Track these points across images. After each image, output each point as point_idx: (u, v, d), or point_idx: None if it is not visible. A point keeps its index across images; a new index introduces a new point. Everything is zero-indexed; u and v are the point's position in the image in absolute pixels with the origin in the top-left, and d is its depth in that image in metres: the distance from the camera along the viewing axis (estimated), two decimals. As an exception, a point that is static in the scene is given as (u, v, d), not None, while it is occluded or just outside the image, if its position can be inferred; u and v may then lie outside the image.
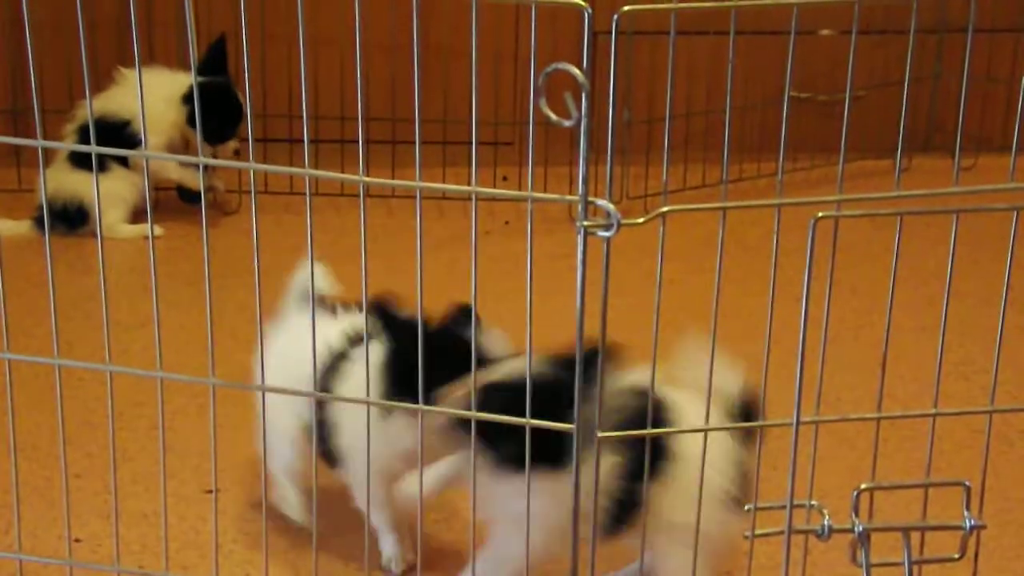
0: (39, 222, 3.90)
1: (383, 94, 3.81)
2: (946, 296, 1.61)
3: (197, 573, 2.33)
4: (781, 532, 1.66)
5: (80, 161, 4.04)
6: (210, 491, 2.47)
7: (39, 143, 1.77)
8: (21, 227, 3.91)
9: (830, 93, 4.36)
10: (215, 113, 4.04)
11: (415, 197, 1.56)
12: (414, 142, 1.61)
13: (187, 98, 4.06)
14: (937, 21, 3.94)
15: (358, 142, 1.62)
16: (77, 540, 2.40)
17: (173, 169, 4.14)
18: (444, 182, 3.86)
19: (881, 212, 1.58)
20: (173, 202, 4.27)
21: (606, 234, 1.49)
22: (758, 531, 1.66)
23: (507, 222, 4.05)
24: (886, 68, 4.06)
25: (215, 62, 4.08)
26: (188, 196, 4.25)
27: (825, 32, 4.23)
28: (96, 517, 2.48)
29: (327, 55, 3.86)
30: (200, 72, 4.07)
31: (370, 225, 1.68)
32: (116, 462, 1.92)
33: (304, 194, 1.72)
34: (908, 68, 1.78)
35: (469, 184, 1.60)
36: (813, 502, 1.65)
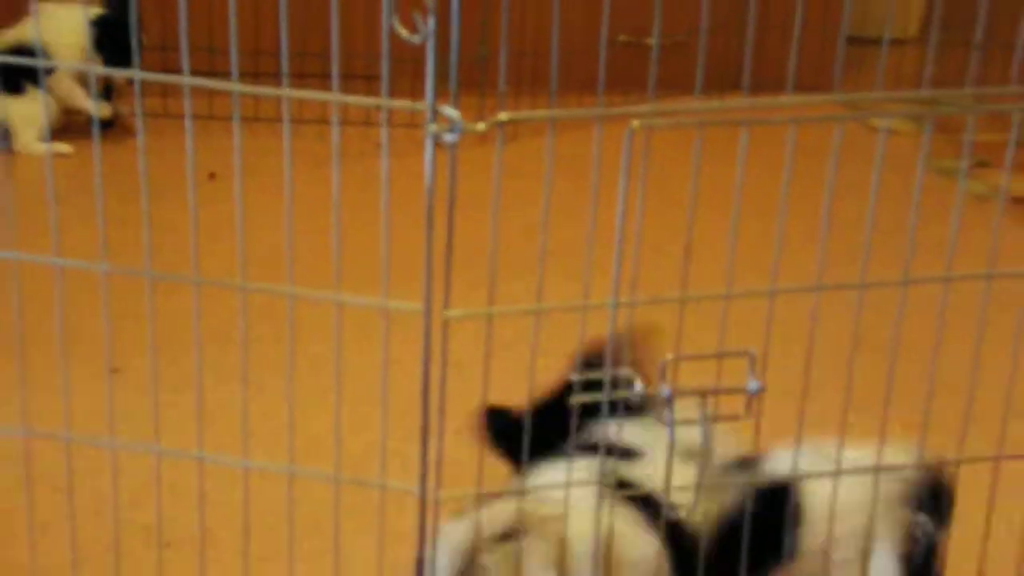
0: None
1: (273, 31, 3.77)
2: (738, 199, 1.63)
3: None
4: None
5: (2, 85, 3.98)
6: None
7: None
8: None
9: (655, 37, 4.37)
10: (115, 42, 4.01)
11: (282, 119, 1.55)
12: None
13: (92, 25, 4.04)
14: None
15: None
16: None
17: (80, 96, 4.13)
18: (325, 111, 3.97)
19: (686, 122, 1.60)
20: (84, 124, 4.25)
21: (451, 138, 1.49)
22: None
23: (379, 144, 4.05)
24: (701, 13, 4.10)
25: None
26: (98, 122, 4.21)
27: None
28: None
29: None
30: (107, 7, 4.06)
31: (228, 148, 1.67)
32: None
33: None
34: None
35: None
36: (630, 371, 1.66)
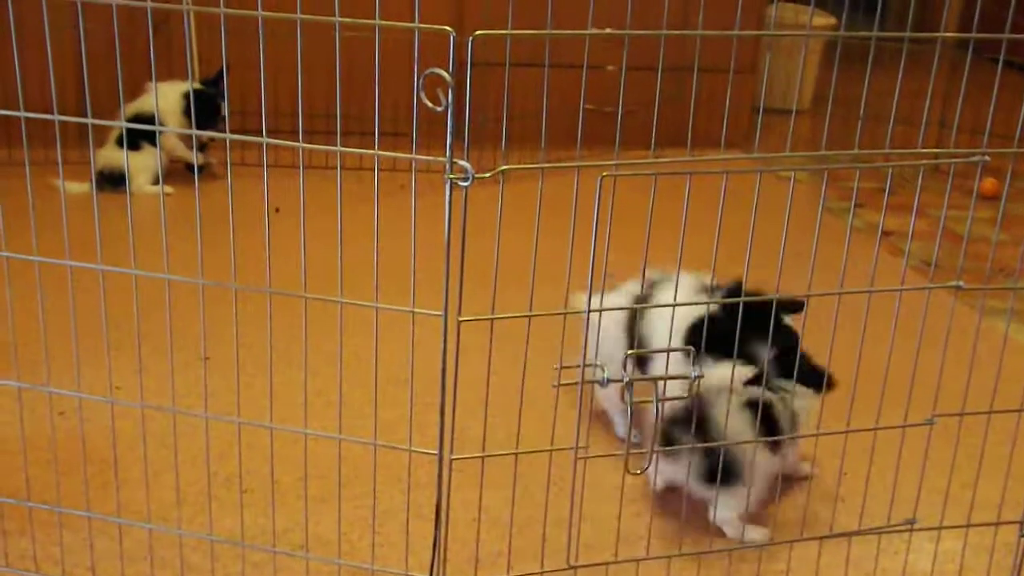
0: (98, 184, 3.88)
1: (323, 100, 3.74)
2: (683, 229, 1.61)
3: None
4: (576, 383, 1.64)
5: (124, 143, 4.00)
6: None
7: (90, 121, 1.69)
8: (84, 187, 3.81)
9: (614, 107, 4.35)
10: (207, 110, 4.02)
11: (338, 167, 1.52)
12: (336, 132, 1.57)
13: (184, 97, 4.04)
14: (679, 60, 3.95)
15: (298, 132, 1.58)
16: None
17: (182, 150, 4.14)
18: (361, 160, 3.97)
19: (643, 173, 1.57)
20: (181, 172, 4.24)
21: (465, 184, 1.47)
22: (563, 382, 1.63)
23: (402, 185, 4.02)
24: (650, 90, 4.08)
25: (213, 80, 4.06)
26: (191, 168, 4.22)
27: (610, 67, 4.23)
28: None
29: (287, 80, 3.81)
30: (203, 83, 4.06)
31: (289, 188, 1.63)
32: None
33: (296, 167, 1.66)
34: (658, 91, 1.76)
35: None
36: (599, 363, 1.63)
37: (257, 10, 1.52)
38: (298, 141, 1.58)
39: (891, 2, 6.75)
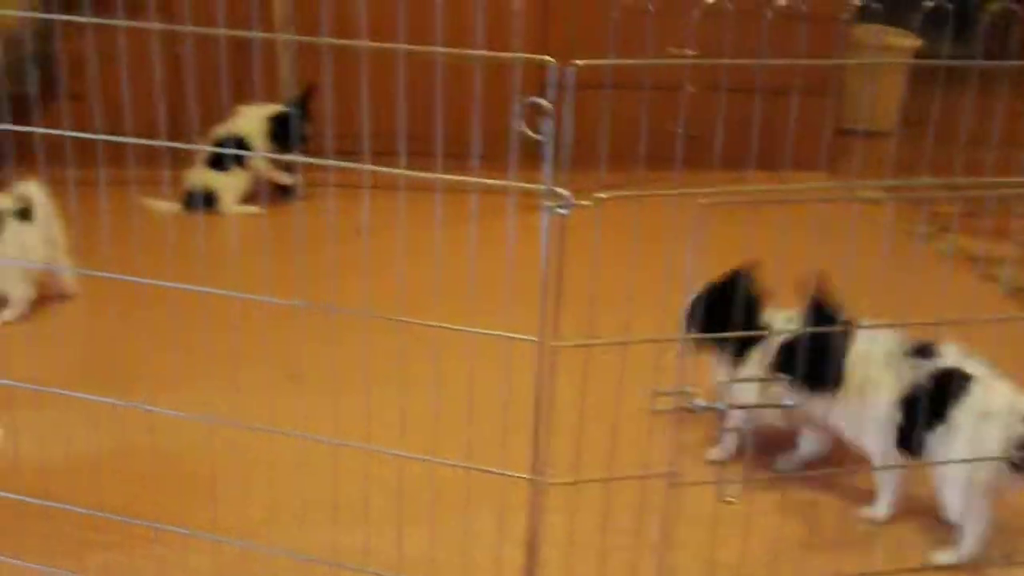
0: (186, 204, 3.95)
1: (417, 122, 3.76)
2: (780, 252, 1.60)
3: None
4: (671, 409, 1.64)
5: (213, 164, 4.07)
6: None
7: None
8: (174, 207, 3.88)
9: (694, 128, 4.32)
10: (285, 130, 4.07)
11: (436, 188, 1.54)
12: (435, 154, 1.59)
13: (272, 120, 4.09)
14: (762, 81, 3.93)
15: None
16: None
17: (267, 170, 4.20)
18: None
19: (741, 200, 1.56)
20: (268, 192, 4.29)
21: (563, 211, 1.47)
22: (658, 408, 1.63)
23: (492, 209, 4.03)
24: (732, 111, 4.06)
25: (299, 100, 4.10)
26: (280, 189, 4.27)
27: (691, 89, 4.21)
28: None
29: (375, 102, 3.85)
30: (288, 105, 4.10)
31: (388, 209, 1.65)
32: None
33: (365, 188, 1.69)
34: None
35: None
36: (692, 389, 1.63)
37: (360, 39, 1.54)
38: (371, 162, 1.60)
39: (980, 17, 6.63)
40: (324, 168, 1.69)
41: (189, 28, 1.61)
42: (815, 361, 1.98)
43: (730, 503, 1.97)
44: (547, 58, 1.46)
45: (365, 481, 1.81)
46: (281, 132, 4.07)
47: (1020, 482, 2.02)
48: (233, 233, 3.94)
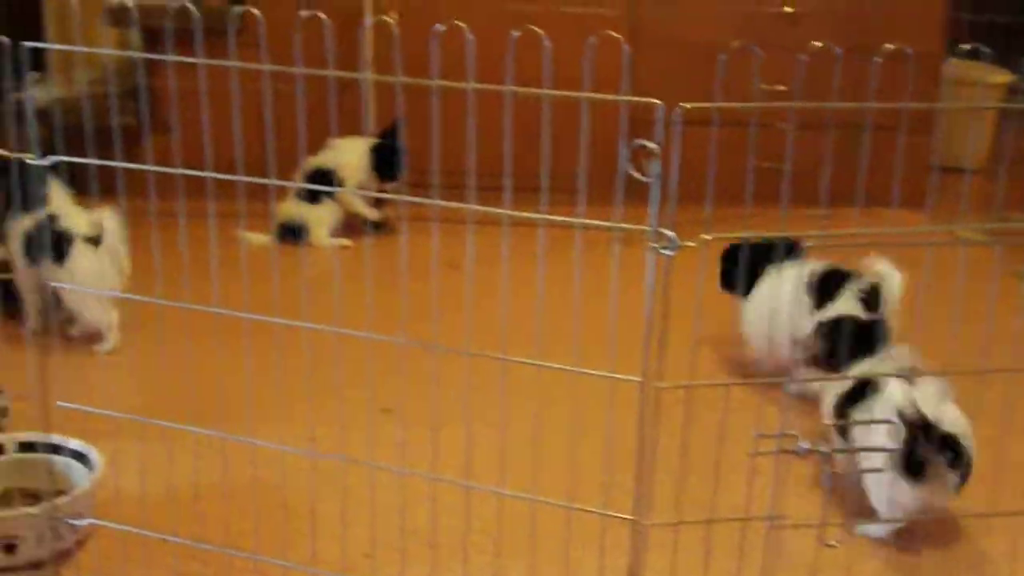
0: (278, 236, 4.01)
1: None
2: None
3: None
4: (774, 451, 1.63)
5: (305, 196, 4.11)
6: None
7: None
8: (266, 239, 3.94)
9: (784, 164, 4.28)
10: (385, 164, 4.11)
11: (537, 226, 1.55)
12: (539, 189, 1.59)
13: (371, 152, 4.13)
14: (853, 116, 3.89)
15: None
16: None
17: (359, 204, 4.23)
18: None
19: (849, 244, 1.55)
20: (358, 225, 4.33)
21: (669, 253, 1.47)
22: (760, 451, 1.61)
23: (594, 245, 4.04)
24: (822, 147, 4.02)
25: (391, 132, 4.13)
26: (370, 223, 4.31)
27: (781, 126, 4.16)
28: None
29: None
30: (381, 137, 4.14)
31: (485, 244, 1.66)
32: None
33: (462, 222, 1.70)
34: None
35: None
36: (794, 432, 1.61)
37: (467, 82, 1.56)
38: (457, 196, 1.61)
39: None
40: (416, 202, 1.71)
41: (268, 67, 1.64)
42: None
43: (832, 547, 1.95)
44: (655, 100, 1.46)
45: (464, 517, 1.81)
46: (381, 164, 4.11)
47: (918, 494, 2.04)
48: (322, 265, 3.99)
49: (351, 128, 4.33)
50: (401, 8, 4.29)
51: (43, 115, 1.92)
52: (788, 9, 4.69)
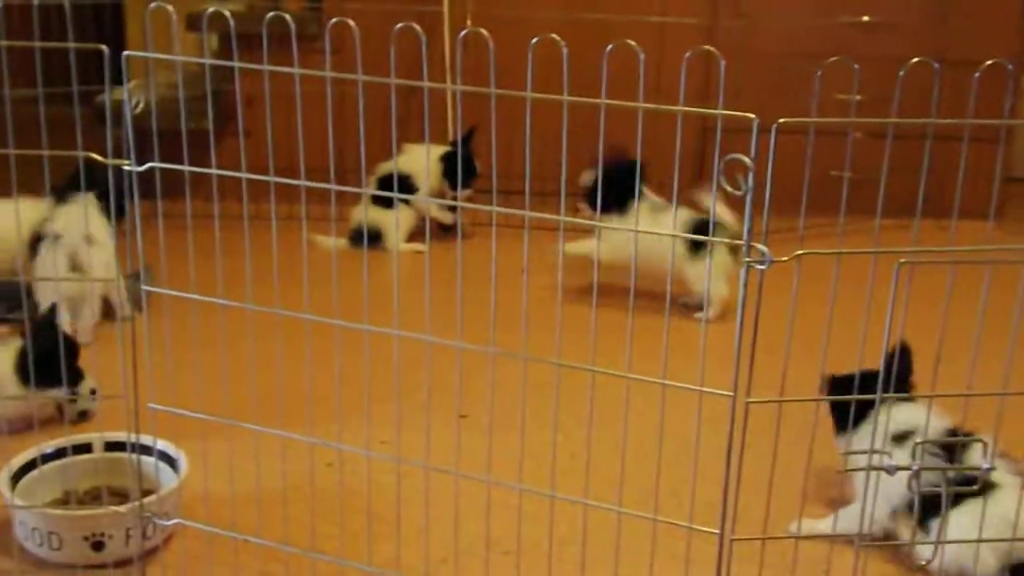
0: (353, 240, 4.04)
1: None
2: (980, 318, 1.56)
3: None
4: (863, 468, 1.61)
5: (379, 201, 4.15)
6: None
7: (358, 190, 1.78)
8: (341, 243, 3.98)
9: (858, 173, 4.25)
10: (457, 169, 4.14)
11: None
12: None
13: (443, 159, 4.16)
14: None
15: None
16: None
17: (434, 209, 4.25)
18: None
19: (942, 260, 1.54)
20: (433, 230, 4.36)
21: (762, 267, 1.47)
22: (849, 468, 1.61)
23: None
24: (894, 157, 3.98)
25: (464, 140, 4.16)
26: (443, 227, 4.34)
27: (858, 134, 4.14)
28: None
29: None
30: (453, 145, 4.17)
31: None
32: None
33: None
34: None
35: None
36: (887, 449, 1.60)
37: (526, 91, 1.56)
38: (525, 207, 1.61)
39: None
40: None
41: (360, 76, 1.66)
42: None
43: (923, 566, 1.93)
44: (749, 115, 1.46)
45: (548, 525, 1.82)
46: (452, 170, 4.14)
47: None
48: (398, 269, 4.01)
49: (434, 135, 4.38)
50: (474, 18, 4.32)
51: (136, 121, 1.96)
52: (865, 18, 4.65)
